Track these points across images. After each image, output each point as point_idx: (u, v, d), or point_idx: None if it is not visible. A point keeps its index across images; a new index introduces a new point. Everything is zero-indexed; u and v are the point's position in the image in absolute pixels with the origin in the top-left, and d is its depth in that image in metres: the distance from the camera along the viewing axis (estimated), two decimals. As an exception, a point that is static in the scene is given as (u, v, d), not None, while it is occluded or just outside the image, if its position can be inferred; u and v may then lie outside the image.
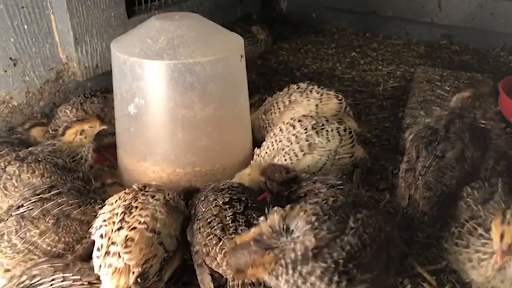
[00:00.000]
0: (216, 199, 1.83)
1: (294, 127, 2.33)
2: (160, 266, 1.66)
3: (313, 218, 1.43)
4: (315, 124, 2.32)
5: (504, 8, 4.30)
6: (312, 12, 5.31)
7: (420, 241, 2.16)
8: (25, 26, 2.63)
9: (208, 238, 1.71)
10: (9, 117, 2.70)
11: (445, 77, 3.66)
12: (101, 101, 2.69)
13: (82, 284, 1.55)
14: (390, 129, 3.14)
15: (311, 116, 2.41)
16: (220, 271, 1.69)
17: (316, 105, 2.61)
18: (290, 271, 1.38)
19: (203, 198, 1.88)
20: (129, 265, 1.55)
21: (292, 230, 1.43)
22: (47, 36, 2.77)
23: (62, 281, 1.54)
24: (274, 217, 1.46)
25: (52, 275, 1.55)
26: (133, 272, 1.55)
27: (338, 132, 2.33)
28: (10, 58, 2.62)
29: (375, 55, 4.51)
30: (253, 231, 1.47)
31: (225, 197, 1.83)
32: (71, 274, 1.57)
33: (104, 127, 2.38)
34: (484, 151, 2.08)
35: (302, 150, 2.27)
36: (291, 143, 2.29)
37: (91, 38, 2.90)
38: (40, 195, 1.83)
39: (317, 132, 2.30)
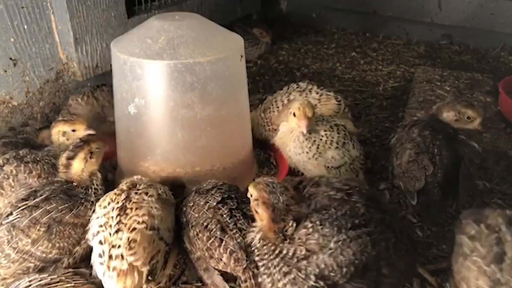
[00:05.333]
0: (207, 202, 1.79)
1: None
2: (164, 259, 1.67)
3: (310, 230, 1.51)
4: None
5: (504, 8, 4.30)
6: (312, 12, 5.31)
7: (420, 241, 2.16)
8: (25, 26, 2.63)
9: (210, 241, 1.70)
10: (9, 117, 2.70)
11: (445, 77, 3.66)
12: (111, 89, 2.65)
13: (60, 280, 1.56)
14: (390, 129, 3.14)
15: None
16: (228, 270, 1.69)
17: (315, 105, 2.61)
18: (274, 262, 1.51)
19: (191, 204, 1.83)
20: (136, 266, 1.56)
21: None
22: (47, 36, 2.77)
23: (40, 280, 1.55)
24: None
25: (29, 278, 1.57)
26: (142, 272, 1.57)
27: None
28: (10, 58, 2.62)
29: (375, 55, 4.51)
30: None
31: (216, 196, 1.81)
32: (46, 275, 1.59)
33: (91, 132, 2.21)
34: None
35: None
36: None
37: (91, 38, 2.90)
38: (26, 202, 1.79)
39: None
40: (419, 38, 4.79)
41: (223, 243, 1.68)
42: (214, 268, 1.72)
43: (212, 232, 1.71)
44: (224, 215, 1.74)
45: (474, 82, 3.58)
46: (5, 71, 2.61)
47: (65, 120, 2.22)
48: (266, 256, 1.54)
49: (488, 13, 4.38)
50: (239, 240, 1.68)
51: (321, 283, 1.41)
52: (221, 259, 1.68)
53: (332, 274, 1.41)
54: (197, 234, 1.74)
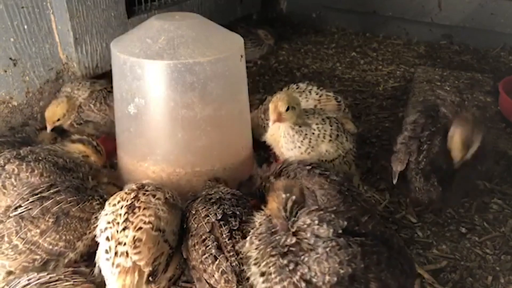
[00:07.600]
0: (208, 216, 1.75)
1: None
2: (166, 262, 1.68)
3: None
4: None
5: (504, 8, 4.30)
6: (312, 12, 5.31)
7: (420, 241, 2.17)
8: (25, 26, 2.63)
9: (204, 256, 1.68)
10: (9, 117, 2.70)
11: (445, 77, 3.66)
12: None
13: (59, 279, 1.57)
14: (390, 129, 3.14)
15: None
16: (218, 287, 1.66)
17: (315, 106, 2.61)
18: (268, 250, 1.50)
19: (194, 212, 1.81)
20: (139, 265, 1.58)
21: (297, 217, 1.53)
22: (47, 36, 2.77)
23: (38, 279, 1.56)
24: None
25: (28, 276, 1.58)
26: (144, 272, 1.58)
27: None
28: (10, 58, 2.61)
29: (375, 55, 4.51)
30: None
31: (218, 213, 1.76)
32: (46, 273, 1.60)
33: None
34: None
35: None
36: None
37: (91, 38, 2.90)
38: (39, 194, 1.83)
39: None
40: (419, 38, 4.79)
41: (217, 261, 1.65)
42: (206, 282, 1.70)
43: (207, 248, 1.68)
44: (224, 235, 1.70)
45: (474, 82, 3.58)
46: (5, 71, 2.61)
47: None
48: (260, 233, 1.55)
49: (488, 13, 4.38)
50: (234, 264, 1.64)
51: (303, 284, 1.40)
52: (213, 275, 1.66)
53: (314, 279, 1.39)
54: (194, 245, 1.72)
